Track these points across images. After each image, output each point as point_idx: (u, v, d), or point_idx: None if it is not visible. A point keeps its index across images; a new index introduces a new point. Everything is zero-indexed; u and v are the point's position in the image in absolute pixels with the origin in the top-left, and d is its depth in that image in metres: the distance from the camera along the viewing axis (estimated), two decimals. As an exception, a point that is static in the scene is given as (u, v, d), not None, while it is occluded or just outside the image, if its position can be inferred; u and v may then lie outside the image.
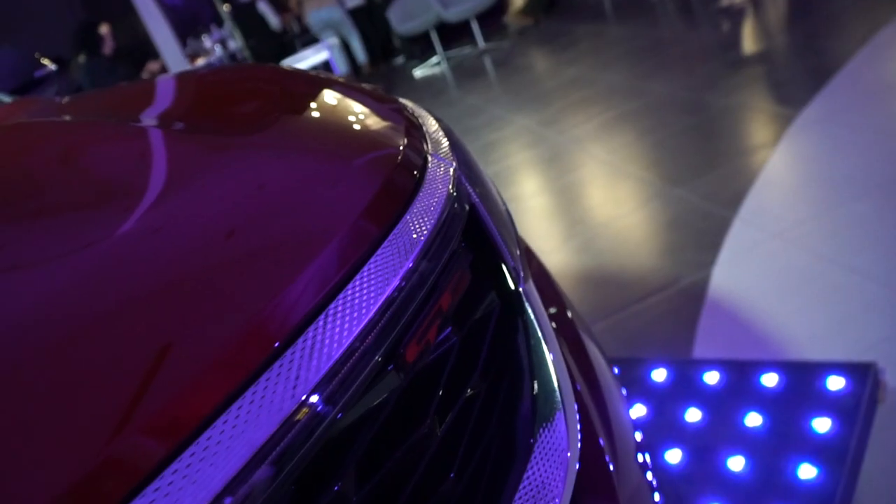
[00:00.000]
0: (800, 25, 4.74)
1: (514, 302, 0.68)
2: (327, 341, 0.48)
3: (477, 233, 0.70)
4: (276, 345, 0.46)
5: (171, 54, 8.79)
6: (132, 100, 1.02)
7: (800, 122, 3.17)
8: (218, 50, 8.64)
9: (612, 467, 0.71)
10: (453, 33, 8.14)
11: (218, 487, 0.39)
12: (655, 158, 3.44)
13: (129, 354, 0.44)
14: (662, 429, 1.68)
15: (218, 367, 0.44)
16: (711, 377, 1.77)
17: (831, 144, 2.92)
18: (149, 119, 0.88)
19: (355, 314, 0.50)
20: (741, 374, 1.74)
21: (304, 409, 0.44)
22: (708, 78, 4.28)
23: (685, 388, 1.77)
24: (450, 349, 0.59)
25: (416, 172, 0.68)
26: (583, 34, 6.92)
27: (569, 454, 0.62)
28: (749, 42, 4.94)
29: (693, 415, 1.68)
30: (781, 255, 2.30)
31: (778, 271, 2.23)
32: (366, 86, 0.93)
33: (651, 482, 0.92)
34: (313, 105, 0.84)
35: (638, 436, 0.93)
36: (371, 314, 0.51)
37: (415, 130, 0.76)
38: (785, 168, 2.89)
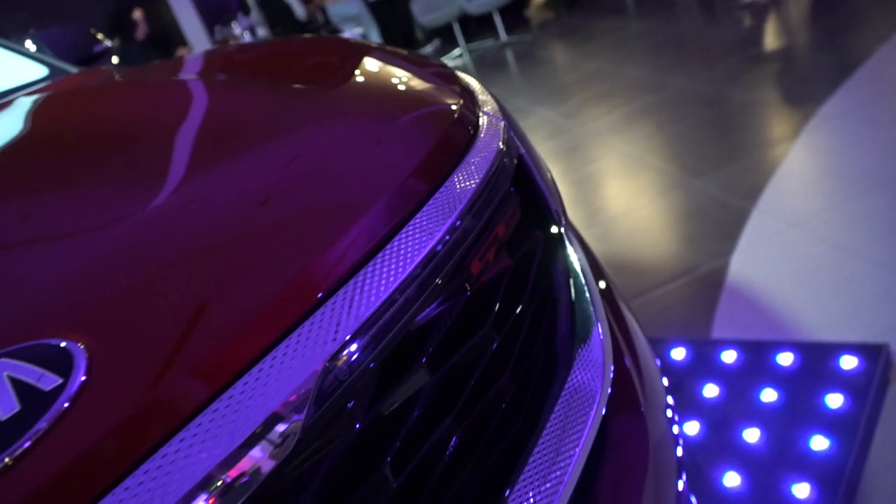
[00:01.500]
0: (821, 22, 4.77)
1: (556, 239, 0.77)
2: (367, 293, 0.53)
3: (524, 180, 0.78)
4: (320, 295, 0.51)
5: (199, 41, 8.91)
6: (208, 63, 1.11)
7: (819, 116, 3.21)
8: (247, 37, 8.75)
9: (639, 390, 0.80)
10: (476, 26, 8.20)
11: (268, 412, 0.44)
12: (675, 150, 3.49)
13: (196, 294, 0.49)
14: (681, 403, 1.75)
15: (271, 310, 0.49)
16: (729, 356, 1.84)
17: (850, 139, 2.97)
18: (227, 79, 0.97)
19: (399, 266, 0.56)
20: (757, 353, 1.81)
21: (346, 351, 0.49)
22: (728, 73, 4.32)
23: (703, 365, 1.84)
24: (504, 270, 0.67)
25: (470, 129, 0.77)
26: (604, 29, 6.96)
27: (603, 366, 0.71)
28: (770, 38, 4.97)
29: (710, 390, 1.76)
30: (799, 244, 2.36)
31: (795, 260, 2.29)
32: (422, 55, 1.01)
33: (676, 436, 0.99)
34: (378, 71, 0.93)
35: (670, 400, 1.01)
36: (414, 265, 0.56)
37: (467, 93, 0.84)
38: (804, 161, 2.94)
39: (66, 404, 0.41)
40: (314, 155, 0.70)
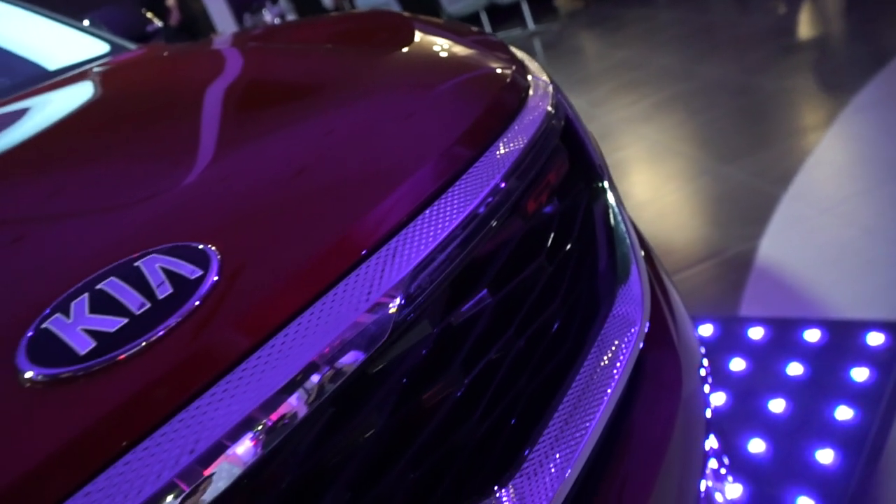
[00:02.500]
0: (855, 12, 4.74)
1: (599, 190, 0.84)
2: (407, 251, 0.57)
3: (570, 139, 0.85)
4: (364, 252, 0.56)
5: (228, 30, 9.05)
6: (273, 35, 1.19)
7: (853, 105, 3.23)
8: (276, 26, 8.86)
9: (675, 335, 0.87)
10: (503, 14, 8.23)
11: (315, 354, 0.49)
12: (705, 138, 3.52)
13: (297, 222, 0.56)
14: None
15: (319, 264, 0.55)
16: (756, 332, 1.89)
17: (883, 127, 2.98)
18: (286, 50, 1.05)
19: (442, 223, 0.62)
20: (785, 329, 1.86)
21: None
22: (760, 61, 4.32)
23: (730, 341, 1.89)
24: (555, 213, 0.75)
25: (521, 92, 0.84)
26: (633, 18, 6.96)
27: (642, 302, 0.78)
28: (803, 27, 4.96)
29: (737, 364, 1.81)
30: (828, 228, 2.39)
31: (824, 243, 2.33)
32: (474, 28, 1.08)
33: (707, 395, 1.06)
34: (432, 40, 1.00)
35: (705, 361, 1.07)
36: (457, 223, 0.62)
37: (518, 61, 0.91)
38: (835, 149, 2.96)
39: (207, 288, 0.49)
40: (375, 118, 0.77)
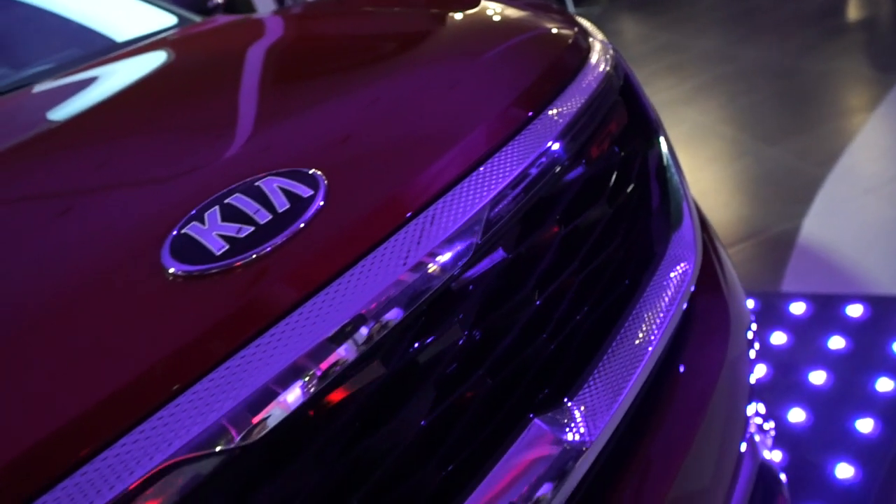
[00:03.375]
0: (906, -4, 4.65)
1: (656, 142, 0.90)
2: (450, 211, 0.61)
3: (629, 96, 0.91)
4: (408, 215, 0.59)
5: (268, 8, 9.15)
6: (336, 4, 1.26)
7: (900, 88, 3.19)
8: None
9: (724, 287, 0.92)
10: (543, -2, 8.20)
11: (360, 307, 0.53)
12: (748, 120, 3.51)
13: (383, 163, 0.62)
14: (749, 347, 1.84)
15: (409, 193, 0.60)
16: (798, 307, 1.92)
17: (931, 110, 2.95)
18: (359, 13, 1.12)
19: (518, 160, 0.67)
20: (827, 305, 1.89)
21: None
22: (805, 44, 4.28)
23: (772, 315, 1.92)
24: (615, 161, 0.80)
25: (583, 53, 0.89)
26: (675, 1, 6.89)
27: (694, 245, 0.83)
28: (850, 9, 4.88)
29: (778, 338, 1.84)
30: (872, 208, 2.40)
31: (868, 223, 2.33)
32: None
33: (752, 361, 1.09)
34: (498, 5, 1.05)
35: (753, 326, 1.11)
36: (531, 160, 0.67)
37: (579, 24, 0.96)
38: (881, 130, 2.94)
39: (319, 204, 0.56)
40: (443, 77, 0.83)
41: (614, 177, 0.81)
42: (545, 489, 0.61)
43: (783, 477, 1.17)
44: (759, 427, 1.08)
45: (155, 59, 1.08)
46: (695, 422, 0.83)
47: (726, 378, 0.90)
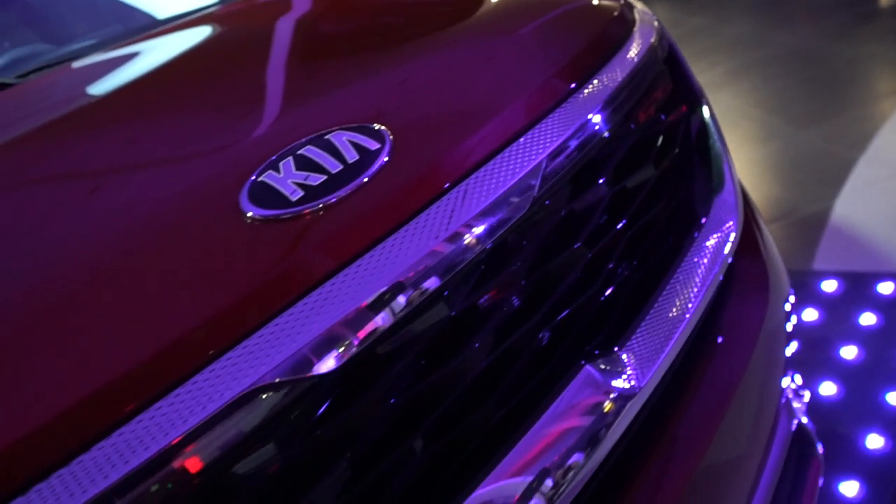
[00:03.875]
0: (943, -22, 4.57)
1: (699, 110, 0.92)
2: (508, 167, 0.65)
3: (673, 65, 0.93)
4: (446, 185, 0.61)
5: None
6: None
7: (935, 70, 3.15)
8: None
9: (764, 256, 0.94)
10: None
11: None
12: (780, 104, 3.49)
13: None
14: (780, 325, 1.85)
15: (468, 149, 0.64)
16: (829, 285, 1.92)
17: (967, 92, 2.91)
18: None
19: (575, 120, 0.70)
20: (858, 282, 1.89)
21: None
22: (838, 29, 4.22)
23: (803, 293, 1.93)
24: (661, 127, 0.83)
25: (628, 24, 0.91)
26: (705, -14, 6.82)
27: (736, 208, 0.86)
28: (885, -6, 4.80)
29: (809, 314, 1.85)
30: (905, 190, 2.38)
31: (900, 204, 2.32)
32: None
33: (790, 334, 1.11)
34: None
35: (792, 298, 1.12)
36: (582, 121, 0.70)
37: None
38: (915, 113, 2.91)
39: (384, 159, 0.59)
40: (491, 46, 0.86)
41: (659, 141, 0.84)
42: (594, 433, 0.64)
43: (819, 444, 1.19)
44: (796, 392, 1.10)
45: (208, 30, 1.11)
46: (734, 381, 0.85)
47: (764, 340, 0.93)
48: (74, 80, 0.96)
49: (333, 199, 0.56)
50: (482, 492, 0.57)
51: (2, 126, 0.80)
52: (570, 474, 0.61)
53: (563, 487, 0.60)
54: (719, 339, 0.87)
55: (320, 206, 0.55)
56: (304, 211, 0.55)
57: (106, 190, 0.61)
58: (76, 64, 1.07)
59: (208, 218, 0.55)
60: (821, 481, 1.24)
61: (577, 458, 0.62)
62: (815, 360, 1.70)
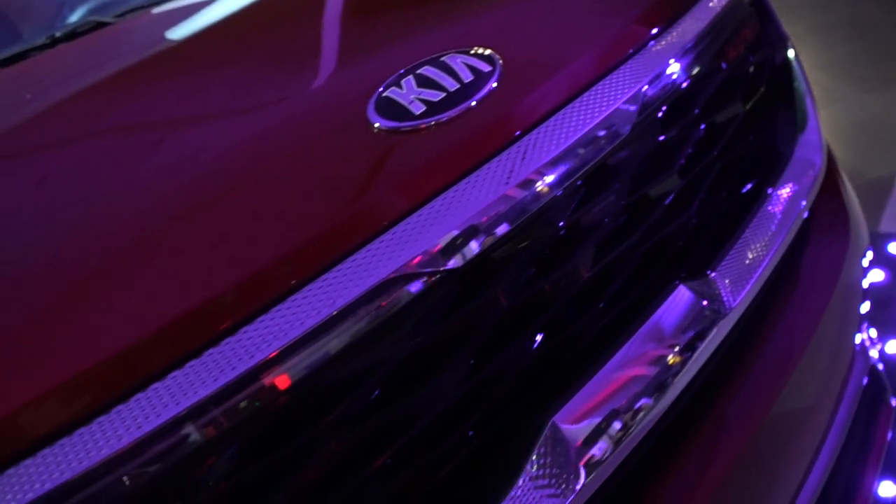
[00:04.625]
0: None
1: (784, 51, 0.93)
2: (606, 95, 0.67)
3: (760, 8, 0.93)
4: (517, 133, 0.62)
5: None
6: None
7: None
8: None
9: (846, 201, 0.95)
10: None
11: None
12: (844, 69, 3.40)
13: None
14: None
15: (564, 82, 0.66)
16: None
17: None
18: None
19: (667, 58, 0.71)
20: (928, 244, 1.86)
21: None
22: (908, -8, 4.07)
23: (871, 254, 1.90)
24: (749, 66, 0.84)
25: None
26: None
27: (820, 148, 0.87)
28: (959, -44, 4.60)
29: (876, 275, 1.83)
30: (978, 153, 2.32)
31: (973, 168, 2.26)
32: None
33: (864, 290, 1.10)
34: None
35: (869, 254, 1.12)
36: (667, 62, 0.71)
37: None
38: None
39: (497, 75, 0.62)
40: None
41: (749, 81, 0.85)
42: (686, 351, 0.67)
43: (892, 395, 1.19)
44: (870, 338, 1.11)
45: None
46: (810, 326, 0.86)
47: (842, 288, 0.93)
48: (186, 13, 0.99)
49: (456, 113, 0.59)
50: (584, 396, 0.60)
51: (124, 56, 0.85)
52: (657, 395, 0.64)
53: (655, 403, 0.63)
54: (797, 283, 0.88)
55: (445, 118, 0.59)
56: (430, 123, 0.59)
57: (248, 102, 0.66)
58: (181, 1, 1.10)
59: (340, 127, 0.60)
60: (889, 435, 1.24)
61: (667, 375, 0.65)
62: (883, 319, 1.69)
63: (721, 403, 0.73)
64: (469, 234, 0.55)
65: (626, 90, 0.68)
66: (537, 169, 0.60)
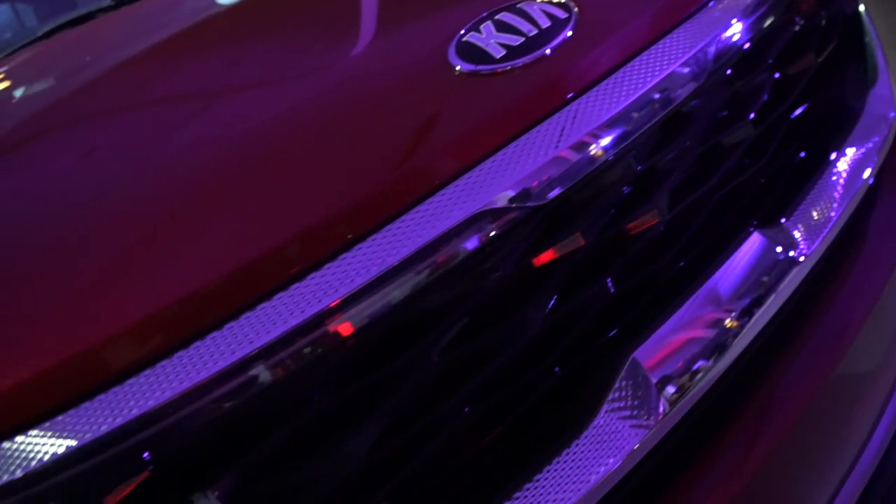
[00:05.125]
0: None
1: (853, 4, 0.92)
2: (675, 46, 0.67)
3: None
4: (570, 95, 0.62)
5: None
6: None
7: None
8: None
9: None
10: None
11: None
12: (893, 40, 3.31)
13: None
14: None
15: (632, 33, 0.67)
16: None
17: None
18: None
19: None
20: None
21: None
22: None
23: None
24: (821, 20, 0.83)
25: None
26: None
27: (892, 101, 0.86)
28: None
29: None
30: None
31: None
32: None
33: None
34: None
35: None
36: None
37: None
38: None
39: (569, 32, 0.63)
40: None
41: (818, 32, 0.84)
42: (759, 297, 0.67)
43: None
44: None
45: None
46: (879, 285, 0.85)
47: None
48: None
49: (533, 57, 0.61)
50: (663, 334, 0.62)
51: (189, 15, 0.88)
52: (733, 337, 0.64)
53: (730, 344, 0.64)
54: (865, 241, 0.87)
55: (521, 63, 0.60)
56: (512, 66, 0.60)
57: (327, 50, 0.68)
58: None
59: (421, 70, 0.61)
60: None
61: (741, 320, 0.65)
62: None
63: (788, 358, 0.73)
64: (553, 172, 0.56)
65: (701, 38, 0.68)
66: (619, 112, 0.61)
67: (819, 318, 0.77)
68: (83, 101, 0.76)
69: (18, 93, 0.88)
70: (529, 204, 0.55)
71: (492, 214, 0.54)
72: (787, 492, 0.69)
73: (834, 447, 0.78)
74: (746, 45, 0.72)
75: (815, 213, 0.74)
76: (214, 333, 0.46)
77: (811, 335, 0.76)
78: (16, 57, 0.97)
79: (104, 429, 0.43)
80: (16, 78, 0.94)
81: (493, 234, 0.54)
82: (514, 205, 0.54)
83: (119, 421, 0.44)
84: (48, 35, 0.94)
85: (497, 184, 0.55)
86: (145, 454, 0.44)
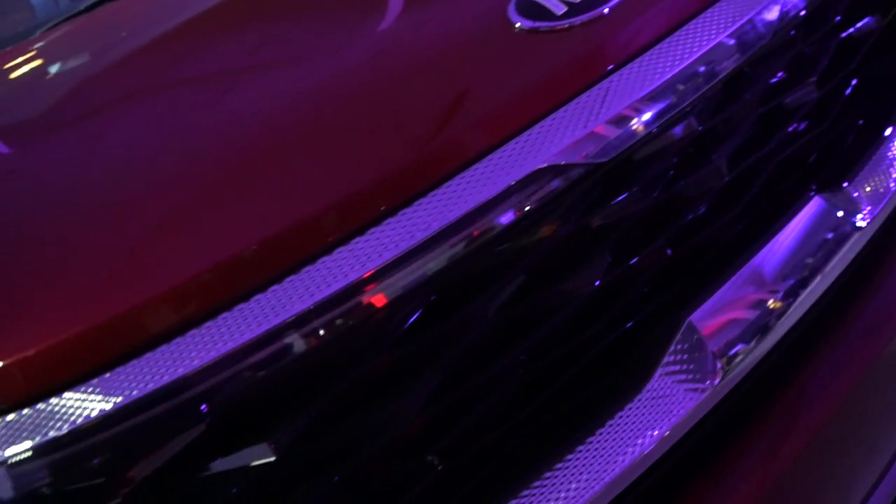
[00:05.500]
0: None
1: None
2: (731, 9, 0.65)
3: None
4: (632, 53, 0.61)
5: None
6: None
7: None
8: None
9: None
10: None
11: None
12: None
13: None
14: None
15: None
16: None
17: None
18: None
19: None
20: None
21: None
22: None
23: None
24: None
25: None
26: None
27: None
28: None
29: None
30: None
31: None
32: None
33: None
34: None
35: None
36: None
37: None
38: None
39: None
40: None
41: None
42: (820, 262, 0.65)
43: None
44: None
45: None
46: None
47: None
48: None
49: (592, 15, 0.59)
50: (720, 298, 0.61)
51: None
52: (791, 300, 0.63)
53: (787, 309, 0.62)
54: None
55: (588, 18, 0.59)
56: (570, 23, 0.59)
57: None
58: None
59: (482, 26, 0.60)
60: None
61: (801, 285, 0.64)
62: None
63: (840, 332, 0.71)
64: (619, 128, 0.55)
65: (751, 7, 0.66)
66: (684, 68, 0.59)
67: (871, 296, 0.75)
68: (130, 74, 0.76)
69: (62, 66, 0.88)
70: (592, 161, 0.54)
71: (553, 171, 0.53)
72: (826, 483, 0.68)
73: (879, 432, 0.76)
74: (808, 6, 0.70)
75: (877, 179, 0.71)
76: (292, 277, 0.47)
77: (862, 314, 0.73)
78: (58, 29, 0.97)
79: (166, 379, 0.44)
80: (59, 51, 0.94)
81: (554, 190, 0.53)
82: (576, 161, 0.53)
83: (182, 371, 0.44)
84: (89, 9, 0.94)
85: (558, 141, 0.54)
86: (202, 406, 0.45)
